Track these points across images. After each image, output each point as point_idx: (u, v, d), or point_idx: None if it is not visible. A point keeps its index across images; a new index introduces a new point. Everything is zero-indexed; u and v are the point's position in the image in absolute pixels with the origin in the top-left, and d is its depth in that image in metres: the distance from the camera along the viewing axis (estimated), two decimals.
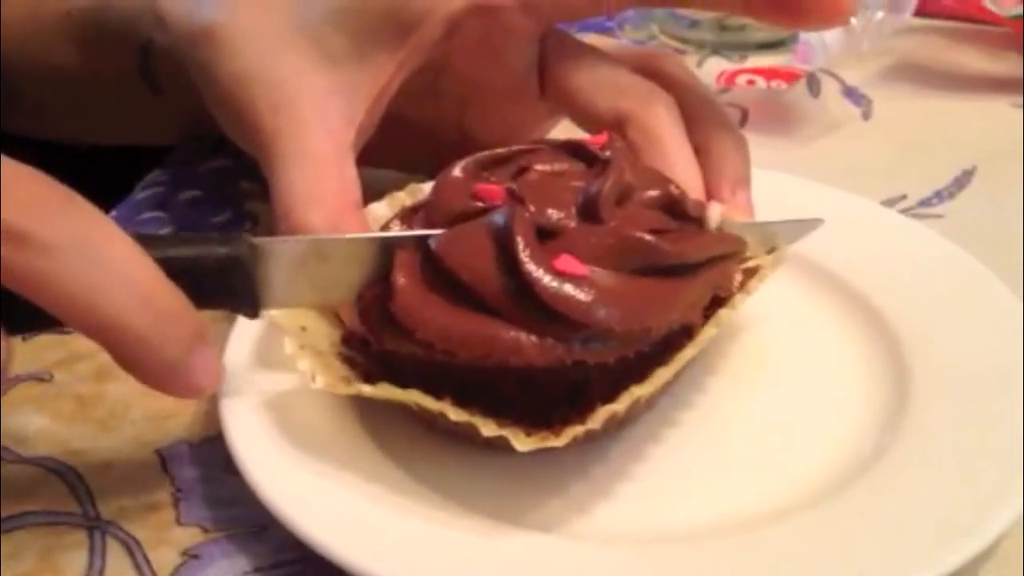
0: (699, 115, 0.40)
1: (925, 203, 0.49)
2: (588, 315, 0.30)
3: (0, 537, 0.34)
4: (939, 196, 0.50)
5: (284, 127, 0.38)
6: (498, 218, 0.32)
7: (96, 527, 0.34)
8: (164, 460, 0.36)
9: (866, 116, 0.59)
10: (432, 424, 0.35)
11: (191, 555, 0.33)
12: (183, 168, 0.55)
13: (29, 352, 0.42)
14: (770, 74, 0.60)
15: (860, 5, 0.60)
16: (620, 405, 0.31)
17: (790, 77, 0.60)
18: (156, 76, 0.48)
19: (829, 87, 0.60)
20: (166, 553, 0.33)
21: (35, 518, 0.34)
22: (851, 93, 0.61)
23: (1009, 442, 0.32)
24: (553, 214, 0.32)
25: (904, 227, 0.44)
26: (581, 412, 0.32)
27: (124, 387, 0.39)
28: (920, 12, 0.64)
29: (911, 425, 0.34)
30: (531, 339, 0.30)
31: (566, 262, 0.31)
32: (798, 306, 0.40)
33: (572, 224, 0.32)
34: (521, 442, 0.31)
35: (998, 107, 0.58)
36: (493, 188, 0.34)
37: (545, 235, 0.32)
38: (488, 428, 0.31)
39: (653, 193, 0.34)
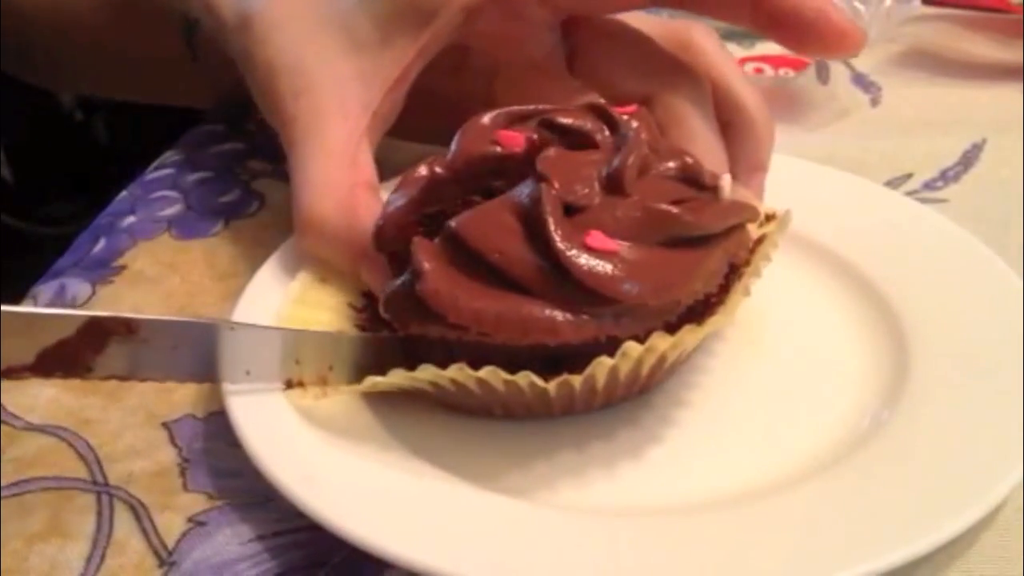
0: (726, 93, 0.40)
1: (930, 185, 0.49)
2: (623, 291, 0.30)
3: (8, 499, 0.34)
4: (944, 178, 0.50)
5: (302, 114, 0.39)
6: (523, 196, 0.32)
7: (104, 491, 0.35)
8: (171, 432, 0.37)
9: (875, 103, 0.59)
10: (445, 401, 0.35)
11: (197, 522, 0.33)
12: (195, 150, 0.55)
13: None
14: (778, 61, 0.61)
15: None
16: (642, 348, 0.31)
17: (798, 64, 0.60)
18: (197, 48, 0.49)
19: (838, 74, 0.60)
20: (172, 519, 0.33)
21: (44, 483, 0.35)
22: (860, 80, 0.61)
23: (1008, 418, 0.32)
24: (578, 190, 0.32)
25: (906, 207, 0.44)
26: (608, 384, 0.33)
27: None
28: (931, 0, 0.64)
29: (911, 400, 0.34)
30: (566, 317, 0.30)
31: (597, 238, 0.31)
32: (799, 284, 0.40)
33: (597, 199, 0.32)
34: (543, 382, 0.31)
35: (1007, 94, 0.58)
36: (513, 134, 0.34)
37: (571, 211, 0.32)
38: (501, 377, 0.32)
39: (672, 164, 0.34)
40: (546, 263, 0.31)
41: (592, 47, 0.42)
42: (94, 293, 0.45)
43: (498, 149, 0.34)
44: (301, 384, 0.35)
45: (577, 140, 0.34)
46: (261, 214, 0.50)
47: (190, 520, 0.33)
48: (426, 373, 0.32)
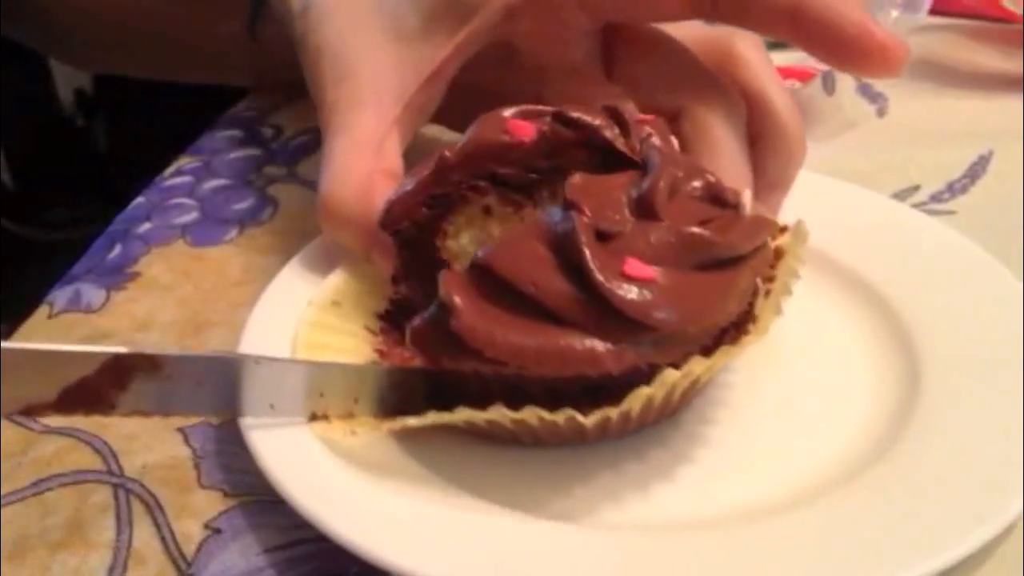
0: (762, 105, 0.40)
1: (937, 197, 0.49)
2: (663, 319, 0.30)
3: (29, 500, 0.35)
4: (951, 190, 0.50)
5: (339, 100, 0.40)
6: (552, 224, 0.31)
7: (120, 484, 0.35)
8: (186, 435, 0.37)
9: (881, 113, 0.59)
10: (473, 431, 0.35)
11: (213, 528, 0.34)
12: (212, 156, 0.56)
13: (56, 330, 0.43)
14: (785, 73, 0.61)
15: (875, 5, 0.61)
16: (678, 374, 0.31)
17: (804, 76, 0.60)
18: (258, 31, 0.51)
19: (844, 84, 0.60)
20: (190, 526, 0.34)
21: (62, 479, 0.36)
22: (866, 91, 0.61)
23: (1019, 433, 0.32)
24: (609, 215, 0.31)
25: (914, 219, 0.44)
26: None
27: None
28: (937, 10, 0.65)
29: (921, 416, 0.34)
30: (607, 347, 0.30)
31: (633, 266, 0.30)
32: (808, 297, 0.40)
33: (629, 225, 0.31)
34: (582, 417, 0.31)
35: (1013, 104, 0.58)
36: (524, 124, 0.35)
37: (602, 237, 0.31)
38: (538, 415, 0.31)
39: (696, 184, 0.34)
40: (583, 293, 0.30)
41: (629, 56, 0.42)
42: (108, 299, 0.45)
43: (506, 137, 0.35)
44: (326, 417, 0.34)
45: (586, 134, 0.35)
46: (275, 220, 0.50)
47: (207, 527, 0.34)
48: (462, 414, 0.32)
